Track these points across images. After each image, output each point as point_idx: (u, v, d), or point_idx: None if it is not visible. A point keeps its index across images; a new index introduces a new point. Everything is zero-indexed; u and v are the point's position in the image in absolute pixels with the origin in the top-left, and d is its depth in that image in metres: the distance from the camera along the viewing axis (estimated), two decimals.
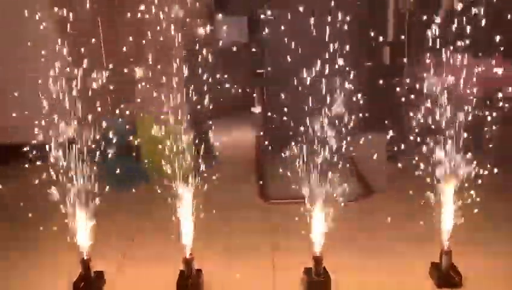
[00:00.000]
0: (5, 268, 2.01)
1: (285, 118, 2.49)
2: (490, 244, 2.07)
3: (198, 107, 2.29)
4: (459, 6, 2.21)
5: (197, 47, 2.42)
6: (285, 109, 2.52)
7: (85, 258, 1.84)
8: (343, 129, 2.27)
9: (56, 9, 2.64)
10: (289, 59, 2.39)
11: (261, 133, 2.92)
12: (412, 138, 2.20)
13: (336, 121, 2.22)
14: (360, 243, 2.11)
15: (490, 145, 2.71)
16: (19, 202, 2.39)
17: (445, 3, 2.65)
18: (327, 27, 2.20)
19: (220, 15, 2.72)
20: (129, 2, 2.93)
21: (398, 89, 2.51)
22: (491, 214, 2.21)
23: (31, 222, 2.24)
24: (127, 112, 2.97)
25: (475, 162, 1.89)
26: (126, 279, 1.91)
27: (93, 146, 2.02)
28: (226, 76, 2.53)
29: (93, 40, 2.60)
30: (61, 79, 2.19)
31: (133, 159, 2.86)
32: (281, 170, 2.07)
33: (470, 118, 2.07)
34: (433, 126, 2.04)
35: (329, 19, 2.26)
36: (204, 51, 2.32)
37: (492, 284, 1.81)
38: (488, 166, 1.99)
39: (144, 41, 2.93)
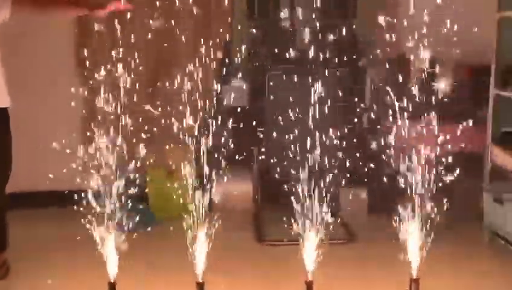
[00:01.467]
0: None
1: (277, 173, 2.86)
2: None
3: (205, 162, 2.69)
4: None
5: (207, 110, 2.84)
6: (278, 166, 2.88)
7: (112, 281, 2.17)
8: (328, 182, 2.68)
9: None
10: (281, 122, 2.82)
11: (258, 185, 3.31)
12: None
13: (322, 176, 2.63)
14: (342, 273, 2.46)
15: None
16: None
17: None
18: (315, 95, 2.67)
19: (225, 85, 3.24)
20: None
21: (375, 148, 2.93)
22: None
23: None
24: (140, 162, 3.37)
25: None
26: None
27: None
28: (228, 135, 2.95)
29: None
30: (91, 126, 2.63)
31: (144, 204, 3.25)
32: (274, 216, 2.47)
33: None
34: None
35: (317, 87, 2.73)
36: (212, 113, 2.75)
37: None
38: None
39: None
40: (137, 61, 3.14)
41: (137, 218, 2.71)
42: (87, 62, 3.13)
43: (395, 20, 2.69)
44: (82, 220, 2.18)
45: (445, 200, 3.11)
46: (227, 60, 3.43)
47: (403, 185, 2.33)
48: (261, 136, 3.06)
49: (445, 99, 3.15)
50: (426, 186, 2.99)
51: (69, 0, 2.50)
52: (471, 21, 2.90)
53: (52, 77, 3.43)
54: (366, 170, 3.10)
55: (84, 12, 2.50)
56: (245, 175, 3.38)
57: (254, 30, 3.53)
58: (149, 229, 3.03)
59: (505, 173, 2.63)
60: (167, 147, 3.10)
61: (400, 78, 2.74)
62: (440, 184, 3.13)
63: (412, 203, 2.29)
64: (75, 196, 2.43)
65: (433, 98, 2.94)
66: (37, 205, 3.38)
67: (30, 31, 3.26)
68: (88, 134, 3.17)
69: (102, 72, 2.63)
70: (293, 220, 2.33)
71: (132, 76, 2.69)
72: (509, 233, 2.58)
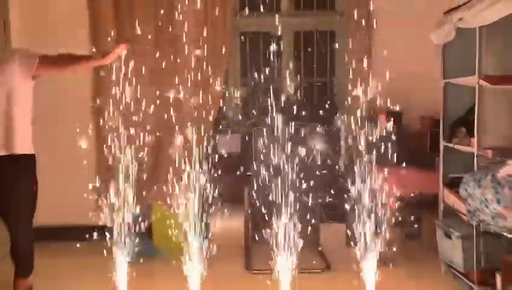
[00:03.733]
0: None
1: (265, 211, 3.28)
2: None
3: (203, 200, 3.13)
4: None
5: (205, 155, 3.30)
6: (266, 204, 3.25)
7: None
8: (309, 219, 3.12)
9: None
10: (270, 167, 3.29)
11: (248, 222, 3.79)
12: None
13: (304, 213, 3.07)
14: None
15: None
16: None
17: None
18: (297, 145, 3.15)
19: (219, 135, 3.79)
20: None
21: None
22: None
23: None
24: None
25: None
26: None
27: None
28: (222, 177, 3.44)
29: None
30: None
31: (148, 237, 3.73)
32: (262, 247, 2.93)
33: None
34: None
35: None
36: (209, 158, 3.24)
37: None
38: None
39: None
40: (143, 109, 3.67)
41: (141, 249, 3.15)
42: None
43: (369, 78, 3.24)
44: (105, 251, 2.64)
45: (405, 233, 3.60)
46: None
47: (373, 221, 2.83)
48: (250, 179, 3.56)
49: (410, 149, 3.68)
50: (394, 221, 3.46)
51: (83, 55, 2.84)
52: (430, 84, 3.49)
53: (70, 122, 3.92)
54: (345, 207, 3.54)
55: (98, 62, 2.80)
56: (238, 213, 3.87)
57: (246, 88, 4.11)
58: (152, 257, 3.52)
59: (454, 212, 3.11)
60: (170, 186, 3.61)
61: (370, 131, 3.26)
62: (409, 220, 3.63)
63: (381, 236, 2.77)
64: (89, 231, 2.95)
65: (398, 148, 3.47)
66: (53, 239, 3.80)
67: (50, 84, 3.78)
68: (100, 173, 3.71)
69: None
70: (275, 252, 2.83)
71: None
72: (458, 264, 3.04)
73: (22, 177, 2.69)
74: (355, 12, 3.86)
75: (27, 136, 2.73)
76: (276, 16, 3.76)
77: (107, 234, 2.79)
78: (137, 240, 2.88)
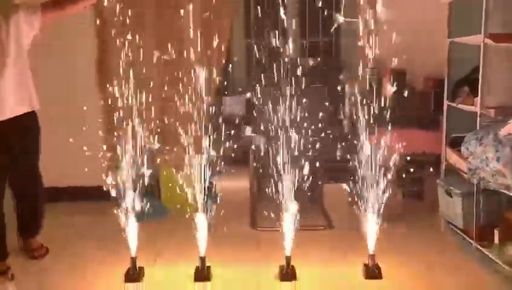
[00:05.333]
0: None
1: (270, 169, 3.34)
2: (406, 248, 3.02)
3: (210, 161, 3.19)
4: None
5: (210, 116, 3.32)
6: (271, 161, 3.31)
7: (133, 256, 2.76)
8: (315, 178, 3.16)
9: None
10: (273, 125, 3.32)
11: (253, 179, 3.86)
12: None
13: (309, 173, 3.13)
14: (316, 252, 3.03)
15: None
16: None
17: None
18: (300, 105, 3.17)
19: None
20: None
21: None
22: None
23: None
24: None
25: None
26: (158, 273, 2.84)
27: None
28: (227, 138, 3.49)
29: None
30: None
31: (155, 197, 3.83)
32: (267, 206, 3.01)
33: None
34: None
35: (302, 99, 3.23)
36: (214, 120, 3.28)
37: (404, 277, 2.74)
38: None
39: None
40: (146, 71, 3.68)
41: (152, 210, 3.25)
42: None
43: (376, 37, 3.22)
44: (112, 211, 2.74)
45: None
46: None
47: (375, 180, 2.89)
48: (255, 140, 3.62)
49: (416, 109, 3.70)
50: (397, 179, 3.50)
51: None
52: (434, 44, 3.47)
53: (77, 87, 3.98)
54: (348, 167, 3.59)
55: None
56: (243, 173, 3.94)
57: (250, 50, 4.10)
58: (161, 218, 3.64)
59: (456, 171, 3.17)
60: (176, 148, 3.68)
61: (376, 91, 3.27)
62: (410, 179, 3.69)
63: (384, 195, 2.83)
64: (99, 191, 3.03)
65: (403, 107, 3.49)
66: (65, 199, 3.94)
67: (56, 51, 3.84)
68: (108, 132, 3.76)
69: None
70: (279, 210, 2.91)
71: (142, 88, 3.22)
72: (457, 221, 3.12)
73: (35, 127, 2.88)
74: None
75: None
76: None
77: (115, 194, 2.87)
78: (145, 201, 2.96)
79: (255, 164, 3.66)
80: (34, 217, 3.05)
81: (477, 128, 2.86)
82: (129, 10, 3.44)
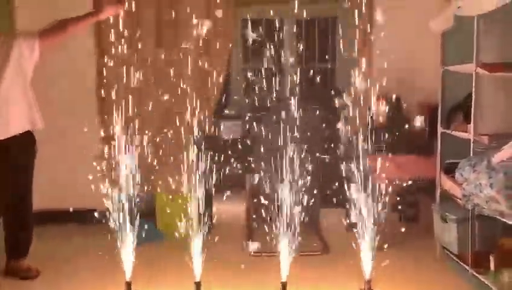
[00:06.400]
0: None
1: (266, 192, 3.36)
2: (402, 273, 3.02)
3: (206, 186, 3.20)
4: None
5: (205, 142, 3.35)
6: (266, 186, 3.33)
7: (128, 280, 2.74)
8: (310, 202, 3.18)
9: None
10: (267, 150, 3.35)
11: (249, 205, 3.88)
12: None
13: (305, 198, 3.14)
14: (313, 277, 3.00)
15: None
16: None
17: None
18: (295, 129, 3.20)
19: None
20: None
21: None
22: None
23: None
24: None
25: None
26: None
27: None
28: (224, 162, 3.52)
29: None
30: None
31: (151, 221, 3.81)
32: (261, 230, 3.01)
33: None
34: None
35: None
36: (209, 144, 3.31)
37: None
38: None
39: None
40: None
41: (146, 234, 3.24)
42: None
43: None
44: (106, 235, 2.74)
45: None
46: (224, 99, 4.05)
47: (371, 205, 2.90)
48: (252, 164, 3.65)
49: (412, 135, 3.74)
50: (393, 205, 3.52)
51: (78, 16, 2.86)
52: (428, 71, 3.54)
53: (76, 111, 4.03)
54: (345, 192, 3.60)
55: (92, 19, 2.87)
56: (239, 197, 3.96)
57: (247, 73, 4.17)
58: (156, 242, 3.62)
59: (451, 197, 3.19)
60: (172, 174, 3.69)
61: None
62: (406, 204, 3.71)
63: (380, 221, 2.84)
64: (94, 214, 3.03)
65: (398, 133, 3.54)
66: (58, 222, 3.92)
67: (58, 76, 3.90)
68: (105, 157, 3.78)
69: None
70: (275, 234, 2.91)
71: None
72: (452, 247, 3.12)
73: (30, 148, 2.93)
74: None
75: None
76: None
77: (111, 218, 2.86)
78: (139, 224, 2.95)
79: (251, 188, 3.67)
80: (23, 238, 3.03)
81: (471, 154, 2.90)
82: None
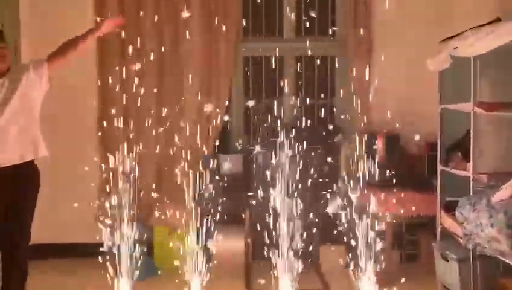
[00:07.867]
0: None
1: (266, 231, 3.31)
2: None
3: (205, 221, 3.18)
4: None
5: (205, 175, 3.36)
6: (266, 225, 3.29)
7: None
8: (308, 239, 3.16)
9: None
10: (270, 188, 3.34)
11: (249, 241, 3.83)
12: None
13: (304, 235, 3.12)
14: None
15: None
16: None
17: None
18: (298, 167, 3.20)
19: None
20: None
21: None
22: None
23: None
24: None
25: None
26: None
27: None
28: (225, 198, 3.51)
29: None
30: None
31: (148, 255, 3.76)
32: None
33: None
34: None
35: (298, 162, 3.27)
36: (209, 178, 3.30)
37: None
38: None
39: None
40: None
41: (143, 268, 3.19)
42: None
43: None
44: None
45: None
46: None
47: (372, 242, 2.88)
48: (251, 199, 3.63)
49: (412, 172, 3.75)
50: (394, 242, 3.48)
51: (79, 35, 2.84)
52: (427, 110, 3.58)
53: (77, 146, 4.05)
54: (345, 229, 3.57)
55: (93, 35, 2.87)
56: (238, 232, 3.91)
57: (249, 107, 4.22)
58: (153, 277, 3.56)
59: (451, 235, 3.17)
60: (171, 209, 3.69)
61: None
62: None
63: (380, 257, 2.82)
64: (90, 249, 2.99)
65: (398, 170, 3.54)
66: (54, 256, 3.87)
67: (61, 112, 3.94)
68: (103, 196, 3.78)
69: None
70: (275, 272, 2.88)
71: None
72: (454, 287, 3.08)
73: (34, 179, 2.84)
74: (355, 39, 4.00)
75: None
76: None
77: (108, 253, 2.85)
78: (137, 259, 2.93)
79: (250, 224, 3.65)
80: (19, 272, 2.96)
81: (471, 192, 2.90)
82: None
